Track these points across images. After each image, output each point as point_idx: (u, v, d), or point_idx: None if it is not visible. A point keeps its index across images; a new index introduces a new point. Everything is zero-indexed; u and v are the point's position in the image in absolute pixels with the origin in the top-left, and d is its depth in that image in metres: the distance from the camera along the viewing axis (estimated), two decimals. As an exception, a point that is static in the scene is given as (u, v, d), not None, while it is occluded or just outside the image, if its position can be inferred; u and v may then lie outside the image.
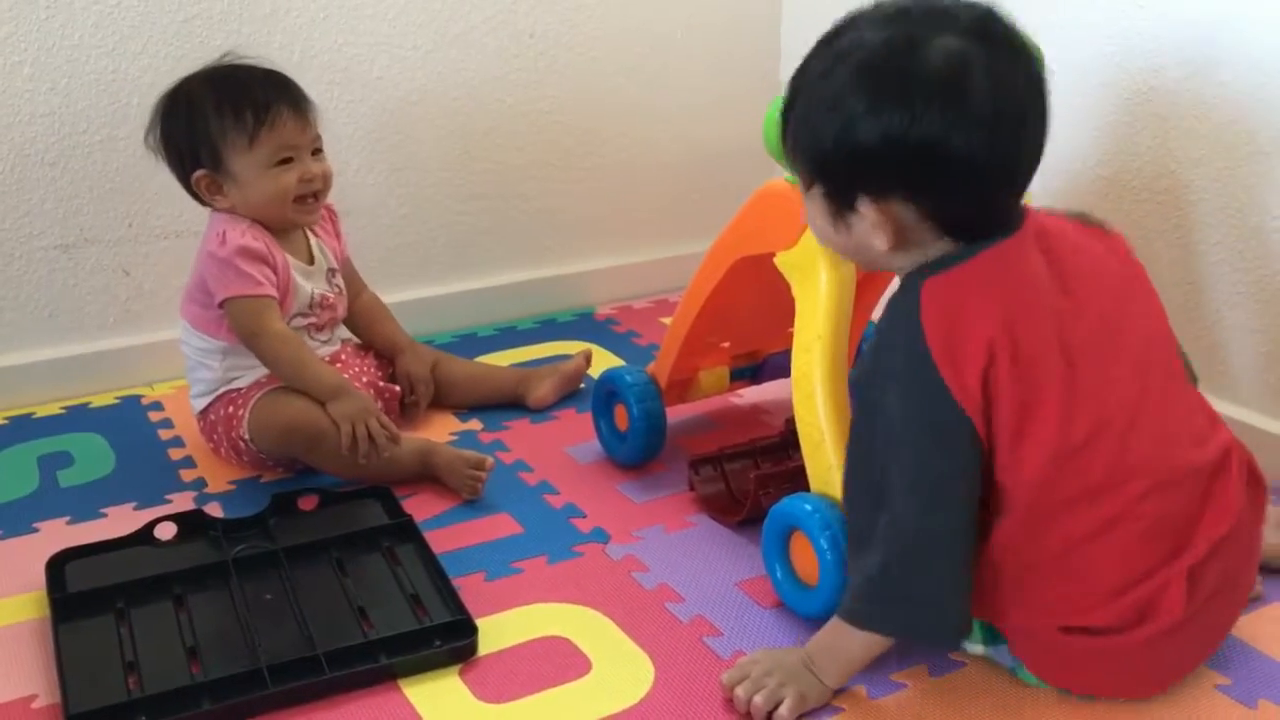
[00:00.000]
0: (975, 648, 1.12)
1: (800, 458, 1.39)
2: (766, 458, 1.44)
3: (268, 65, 1.47)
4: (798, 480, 1.34)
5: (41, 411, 1.67)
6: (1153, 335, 1.08)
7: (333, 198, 1.53)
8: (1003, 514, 1.03)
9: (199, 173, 1.43)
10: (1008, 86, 0.97)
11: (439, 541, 1.32)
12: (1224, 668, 1.12)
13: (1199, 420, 1.08)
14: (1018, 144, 0.99)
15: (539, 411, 1.67)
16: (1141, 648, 1.03)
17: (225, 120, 1.41)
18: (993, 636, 1.10)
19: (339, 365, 1.55)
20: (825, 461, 1.19)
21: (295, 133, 1.44)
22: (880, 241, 1.02)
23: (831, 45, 1.01)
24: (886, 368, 1.03)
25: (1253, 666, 1.13)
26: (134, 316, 1.73)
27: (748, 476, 1.38)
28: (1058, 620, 1.03)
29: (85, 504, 1.44)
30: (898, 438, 1.01)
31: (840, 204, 1.03)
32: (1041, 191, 1.57)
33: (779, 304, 1.27)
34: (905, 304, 1.02)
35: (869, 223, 1.01)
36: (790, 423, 1.47)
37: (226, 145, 1.41)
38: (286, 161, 1.43)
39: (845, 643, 1.07)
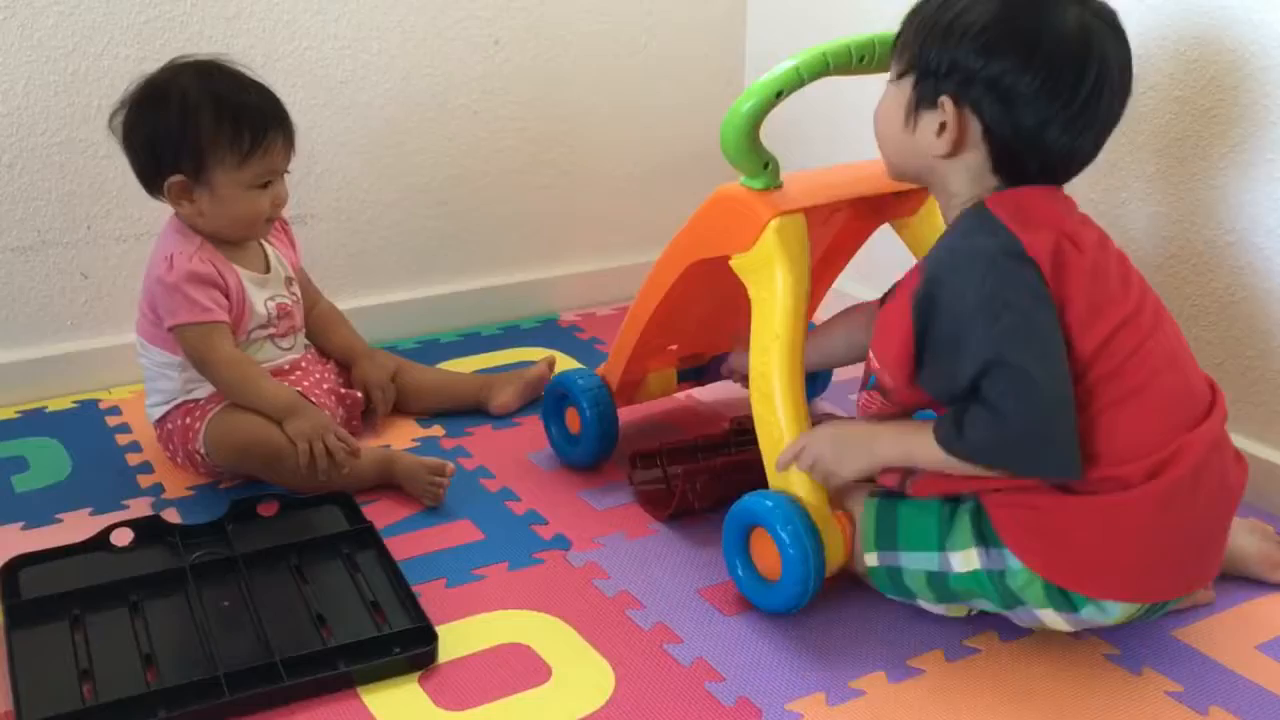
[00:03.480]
0: (967, 556, 1.12)
1: (736, 454, 1.43)
2: (707, 455, 1.46)
3: (255, 76, 1.45)
4: (726, 476, 1.38)
5: (-4, 415, 1.65)
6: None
7: (297, 202, 1.52)
8: None
9: (176, 178, 1.41)
10: (1110, 77, 1.10)
11: (399, 548, 1.32)
12: (1176, 675, 1.14)
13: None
14: (1093, 131, 1.12)
15: (501, 418, 1.66)
16: (1152, 505, 1.06)
17: (222, 134, 1.39)
18: (982, 538, 1.11)
19: (299, 372, 1.54)
20: None
21: (281, 160, 1.45)
22: (940, 146, 1.13)
23: None
24: (965, 263, 1.09)
25: (1204, 673, 1.15)
26: (92, 320, 1.71)
27: (676, 473, 1.40)
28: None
29: (40, 509, 1.42)
30: (995, 311, 1.05)
31: (923, 95, 1.14)
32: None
33: (727, 307, 1.28)
34: (974, 214, 1.13)
35: (939, 121, 1.12)
36: (735, 421, 1.51)
37: (215, 158, 1.40)
38: (265, 185, 1.44)
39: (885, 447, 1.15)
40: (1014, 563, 1.10)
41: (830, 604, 1.23)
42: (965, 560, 1.12)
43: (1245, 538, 1.27)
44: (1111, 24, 1.12)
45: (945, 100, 1.12)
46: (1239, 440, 1.43)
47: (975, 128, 1.12)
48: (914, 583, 1.16)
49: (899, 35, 1.18)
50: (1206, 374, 1.17)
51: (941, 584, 1.15)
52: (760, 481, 1.23)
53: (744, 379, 1.50)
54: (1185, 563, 1.11)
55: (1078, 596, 1.09)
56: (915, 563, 1.15)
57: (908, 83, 1.15)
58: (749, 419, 1.26)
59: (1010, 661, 1.16)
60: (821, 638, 1.19)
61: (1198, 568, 1.13)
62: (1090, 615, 1.10)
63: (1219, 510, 1.13)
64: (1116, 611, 1.10)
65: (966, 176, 1.15)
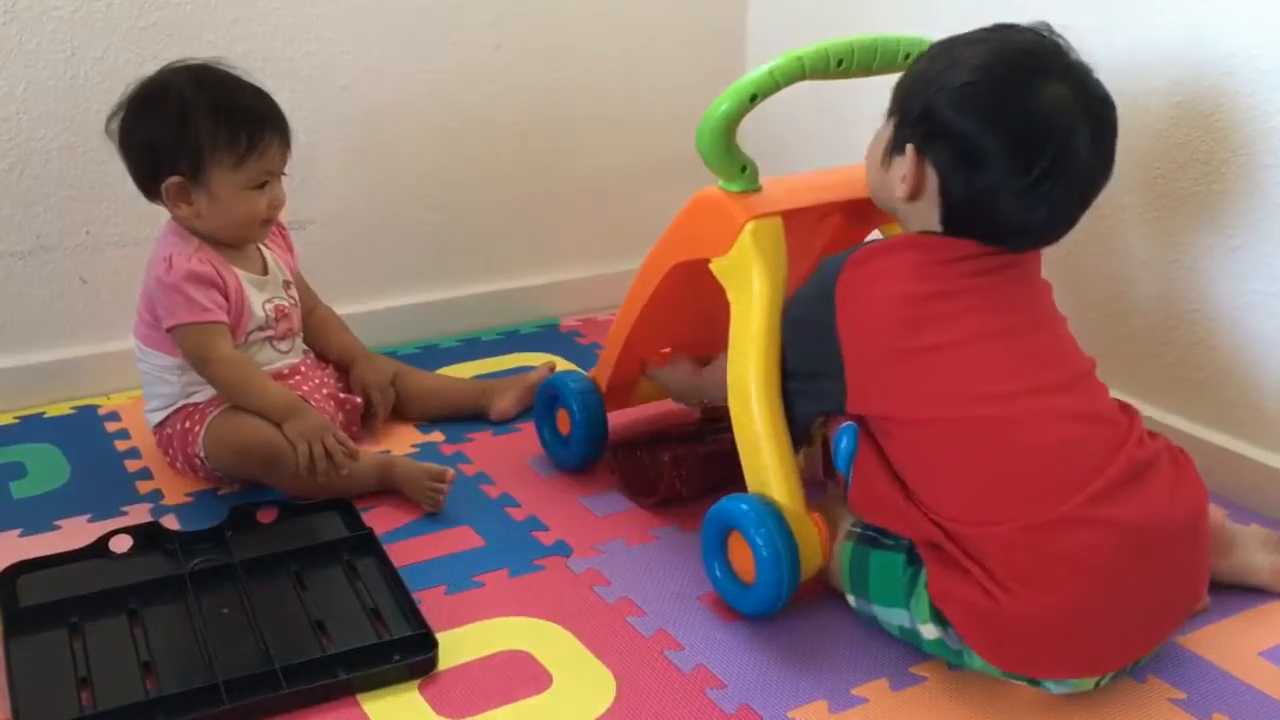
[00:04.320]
0: (928, 629, 1.12)
1: (714, 442, 1.47)
2: (682, 443, 1.48)
3: (249, 78, 1.45)
4: (710, 464, 1.41)
5: (-6, 421, 1.65)
6: (1066, 337, 1.18)
7: (296, 208, 1.52)
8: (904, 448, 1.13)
9: (174, 179, 1.41)
10: (1073, 162, 1.10)
11: (399, 555, 1.31)
12: (1179, 682, 1.14)
13: (1114, 410, 1.14)
14: (1046, 208, 1.11)
15: (501, 423, 1.66)
16: (1086, 594, 1.04)
17: (219, 135, 1.39)
18: (939, 619, 1.11)
19: (299, 376, 1.54)
20: (761, 462, 1.21)
21: (277, 161, 1.45)
22: (900, 189, 1.15)
23: (991, 31, 1.15)
24: (798, 294, 1.21)
25: (1207, 680, 1.14)
26: (91, 325, 1.71)
27: (662, 459, 1.42)
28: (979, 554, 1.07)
29: (38, 516, 1.41)
30: (787, 322, 1.22)
31: (897, 139, 1.16)
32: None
33: (719, 310, 1.28)
34: (836, 258, 1.18)
35: (903, 167, 1.14)
36: (707, 410, 1.56)
37: (212, 159, 1.40)
38: (261, 186, 1.44)
39: None
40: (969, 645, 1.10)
41: (831, 611, 1.23)
42: (929, 631, 1.12)
43: (1258, 553, 1.26)
44: (1097, 114, 1.10)
45: (910, 148, 1.14)
46: (1245, 448, 1.43)
47: (934, 180, 1.14)
48: (890, 630, 1.17)
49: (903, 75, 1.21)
50: (1125, 407, 1.14)
51: (915, 640, 1.15)
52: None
53: (677, 395, 1.53)
54: (1144, 622, 1.09)
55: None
56: (888, 616, 1.16)
57: (891, 123, 1.18)
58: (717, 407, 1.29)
59: (1013, 668, 1.16)
60: (823, 644, 1.19)
61: (1170, 618, 1.11)
62: (1056, 688, 1.09)
63: (1165, 555, 1.08)
64: (1082, 684, 1.09)
65: (919, 222, 1.17)
